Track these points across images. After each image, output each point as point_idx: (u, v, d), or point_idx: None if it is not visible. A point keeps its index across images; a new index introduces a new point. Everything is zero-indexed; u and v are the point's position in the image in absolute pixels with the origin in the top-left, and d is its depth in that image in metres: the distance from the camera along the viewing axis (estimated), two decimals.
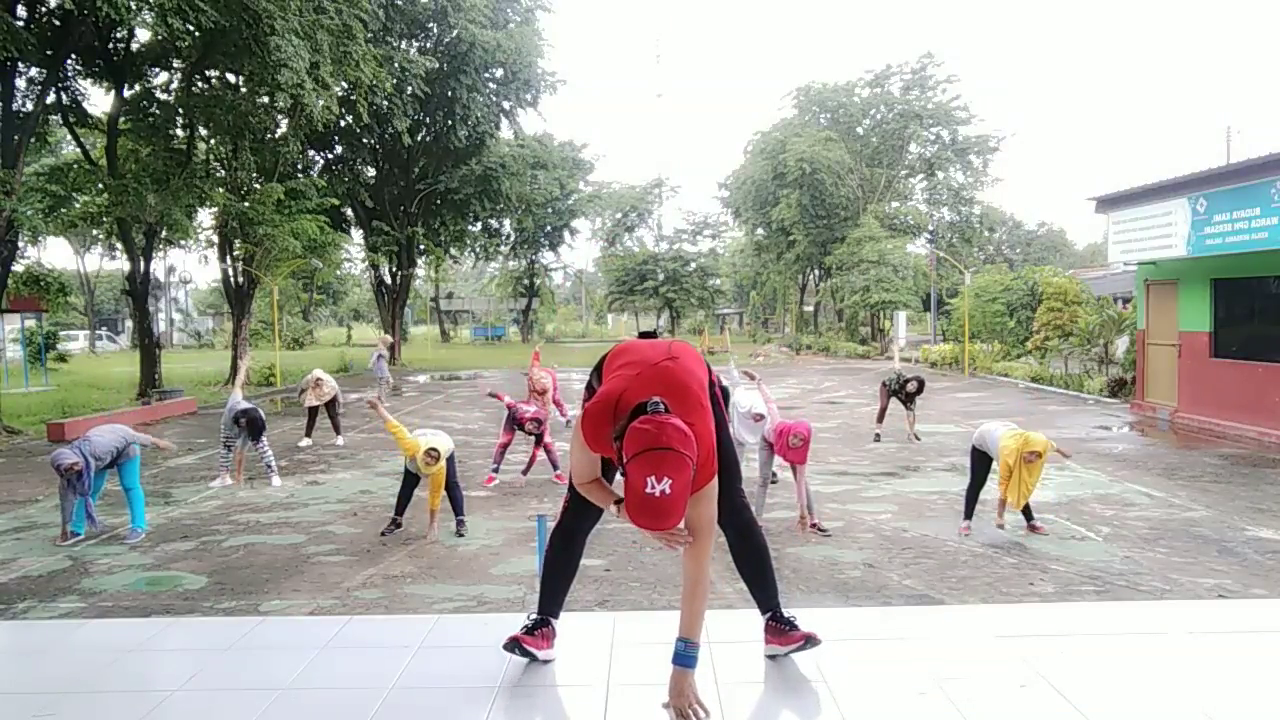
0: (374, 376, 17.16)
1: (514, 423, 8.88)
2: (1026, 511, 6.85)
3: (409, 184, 29.13)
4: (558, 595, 3.17)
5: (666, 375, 2.67)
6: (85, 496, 6.83)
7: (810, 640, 3.09)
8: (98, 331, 47.14)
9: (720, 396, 2.99)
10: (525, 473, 9.13)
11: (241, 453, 9.15)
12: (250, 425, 8.81)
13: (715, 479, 2.69)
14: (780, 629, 3.14)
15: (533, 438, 8.89)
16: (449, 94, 26.10)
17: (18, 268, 15.40)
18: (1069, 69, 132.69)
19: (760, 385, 8.00)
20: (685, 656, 2.69)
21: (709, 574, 2.73)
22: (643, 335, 3.06)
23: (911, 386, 11.33)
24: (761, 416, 7.47)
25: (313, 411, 12.07)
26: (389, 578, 5.98)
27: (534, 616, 3.15)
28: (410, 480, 7.11)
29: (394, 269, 30.52)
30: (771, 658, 3.14)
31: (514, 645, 3.05)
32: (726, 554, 3.32)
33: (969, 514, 6.98)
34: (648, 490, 2.32)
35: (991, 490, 7.33)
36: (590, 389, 2.97)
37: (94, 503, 7.01)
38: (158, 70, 19.31)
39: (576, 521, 3.13)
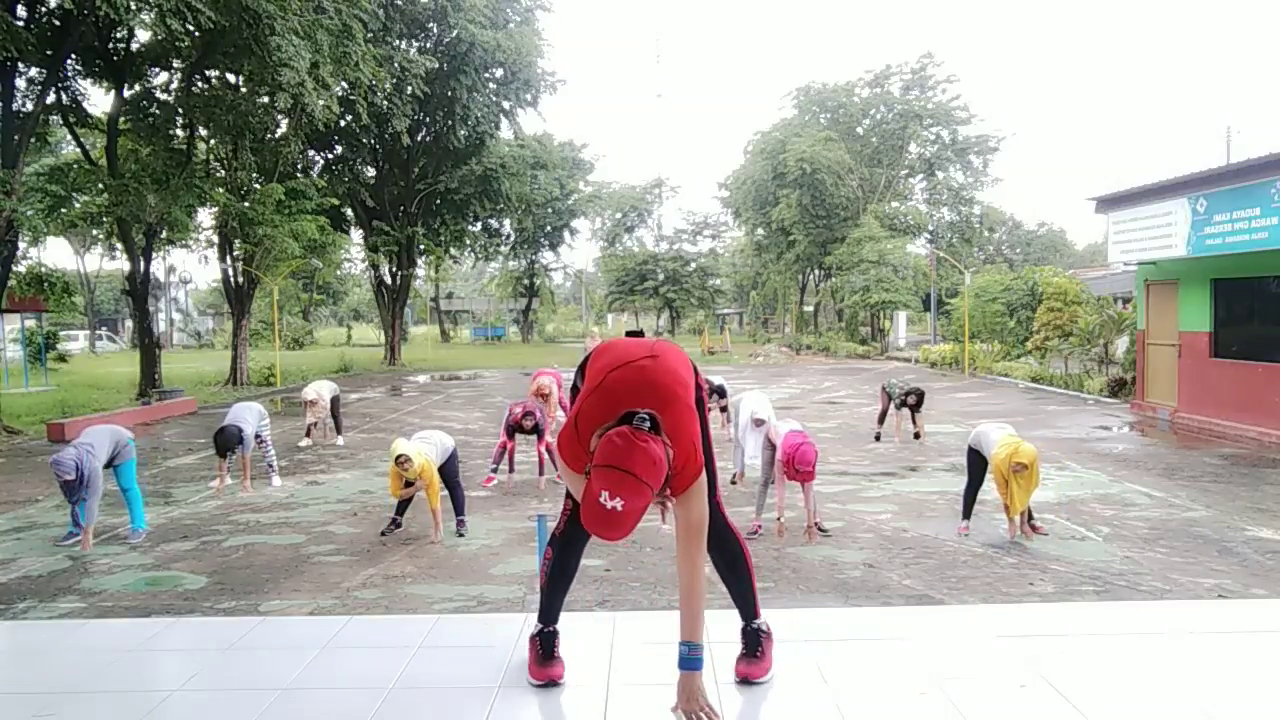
0: None
1: (512, 429, 8.76)
2: (1026, 512, 6.87)
3: (409, 184, 29.11)
4: (558, 603, 3.13)
5: (644, 373, 2.65)
6: (75, 506, 6.79)
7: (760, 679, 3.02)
8: (98, 331, 47.14)
9: (705, 399, 2.98)
10: (541, 473, 8.98)
11: (245, 457, 9.12)
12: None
13: (703, 474, 2.68)
14: (746, 653, 3.07)
15: (533, 436, 8.86)
16: (449, 94, 26.07)
17: (20, 268, 15.40)
18: (1069, 69, 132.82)
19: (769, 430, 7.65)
20: (690, 660, 2.66)
21: (704, 573, 2.71)
22: (629, 335, 3.08)
23: (911, 400, 11.37)
24: (761, 421, 7.46)
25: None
26: (389, 578, 5.98)
27: (544, 629, 3.09)
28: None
29: (394, 269, 30.50)
30: (743, 682, 3.01)
31: (550, 684, 3.00)
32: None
33: (967, 514, 7.00)
34: (600, 500, 2.33)
35: (992, 491, 7.33)
36: (575, 389, 2.96)
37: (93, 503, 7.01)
38: (158, 70, 19.29)
39: (576, 529, 3.06)
